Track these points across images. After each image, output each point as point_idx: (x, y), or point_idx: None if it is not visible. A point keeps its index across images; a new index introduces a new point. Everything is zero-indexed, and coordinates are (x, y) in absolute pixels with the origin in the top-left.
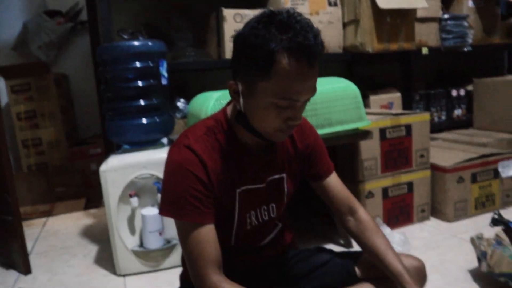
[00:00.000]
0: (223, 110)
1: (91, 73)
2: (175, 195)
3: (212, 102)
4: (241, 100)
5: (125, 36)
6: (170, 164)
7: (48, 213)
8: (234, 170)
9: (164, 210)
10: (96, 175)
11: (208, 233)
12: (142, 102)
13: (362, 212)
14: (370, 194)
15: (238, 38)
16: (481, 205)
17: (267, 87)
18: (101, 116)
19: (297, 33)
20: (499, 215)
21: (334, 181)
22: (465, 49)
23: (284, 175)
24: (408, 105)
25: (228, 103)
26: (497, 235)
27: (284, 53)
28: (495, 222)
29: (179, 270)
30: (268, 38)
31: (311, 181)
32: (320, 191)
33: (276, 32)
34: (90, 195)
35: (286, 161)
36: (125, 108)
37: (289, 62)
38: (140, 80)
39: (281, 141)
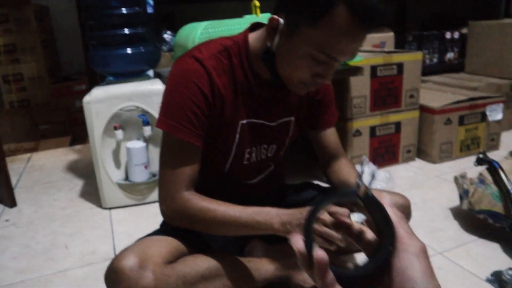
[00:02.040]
0: (245, 34)
1: (73, 6)
2: (175, 106)
3: (199, 30)
4: (276, 39)
5: None
6: (175, 73)
7: (33, 150)
8: (241, 101)
9: (160, 122)
10: (81, 112)
11: (193, 155)
12: (126, 31)
13: (344, 158)
14: (358, 132)
15: None
16: (466, 148)
17: (311, 35)
18: (84, 49)
19: None
20: (484, 154)
21: (331, 133)
22: None
23: (292, 118)
24: (400, 45)
25: (251, 29)
26: (480, 174)
27: (345, 7)
28: (479, 161)
29: None
30: None
31: (310, 128)
32: (314, 139)
33: None
34: (76, 132)
35: (296, 104)
36: (108, 37)
37: (346, 18)
38: (124, 7)
39: (299, 94)
